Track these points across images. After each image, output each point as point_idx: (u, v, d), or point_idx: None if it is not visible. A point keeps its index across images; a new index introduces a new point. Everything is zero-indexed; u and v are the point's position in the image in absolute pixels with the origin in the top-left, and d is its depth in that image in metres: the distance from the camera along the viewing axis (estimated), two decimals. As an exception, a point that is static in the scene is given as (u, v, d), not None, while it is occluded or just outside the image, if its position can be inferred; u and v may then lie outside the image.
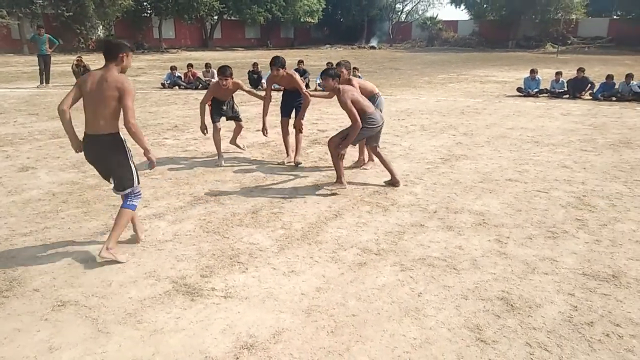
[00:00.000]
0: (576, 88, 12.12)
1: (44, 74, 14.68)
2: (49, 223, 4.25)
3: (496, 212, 4.55)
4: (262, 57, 28.65)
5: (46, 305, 2.97)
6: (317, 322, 2.82)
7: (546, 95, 12.54)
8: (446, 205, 4.75)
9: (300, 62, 14.50)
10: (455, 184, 5.40)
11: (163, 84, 14.52)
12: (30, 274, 3.35)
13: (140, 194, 3.80)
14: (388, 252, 3.73)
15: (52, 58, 15.42)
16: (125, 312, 2.90)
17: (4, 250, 3.72)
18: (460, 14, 60.60)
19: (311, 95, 6.00)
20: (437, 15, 49.73)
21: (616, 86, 11.91)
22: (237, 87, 6.16)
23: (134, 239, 3.92)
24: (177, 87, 14.35)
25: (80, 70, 14.95)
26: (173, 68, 14.70)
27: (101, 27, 33.82)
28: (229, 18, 42.10)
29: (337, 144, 5.17)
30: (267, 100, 6.29)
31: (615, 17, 43.92)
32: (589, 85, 12.07)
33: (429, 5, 63.68)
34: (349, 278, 3.33)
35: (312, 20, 45.51)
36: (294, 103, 6.23)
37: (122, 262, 3.53)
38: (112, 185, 3.77)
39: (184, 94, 13.15)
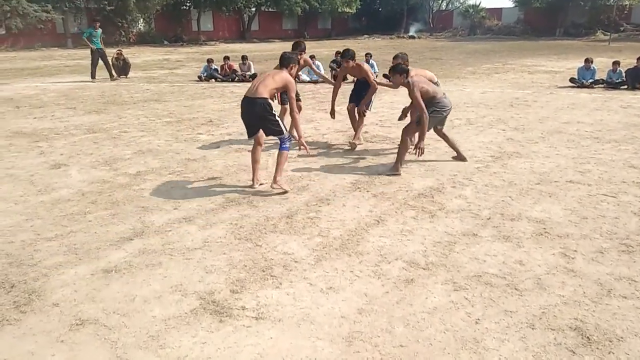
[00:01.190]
0: (635, 78, 11.22)
1: (106, 68, 14.41)
2: (76, 226, 4.05)
3: (559, 220, 4.06)
4: (299, 48, 28.42)
5: (64, 323, 2.73)
6: (359, 354, 2.46)
7: (602, 86, 11.68)
8: (501, 210, 4.29)
9: (338, 53, 14.06)
10: (510, 186, 4.91)
11: (200, 77, 14.40)
12: (51, 286, 3.13)
13: (289, 139, 4.87)
14: (438, 267, 3.32)
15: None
16: (147, 334, 2.62)
17: (27, 256, 3.53)
18: (505, 1, 58.38)
19: (378, 84, 6.41)
20: (480, 3, 47.77)
21: (682, 76, 10.94)
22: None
23: (156, 245, 3.66)
24: (213, 79, 14.20)
25: (120, 63, 15.06)
26: (210, 61, 14.56)
27: (142, 20, 34.32)
28: (266, 9, 41.94)
29: (413, 132, 5.51)
30: (337, 87, 6.77)
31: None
32: (651, 75, 11.15)
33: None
34: (395, 298, 2.95)
35: (350, 10, 44.80)
36: (362, 92, 6.55)
37: (288, 191, 4.77)
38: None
39: (220, 87, 12.97)
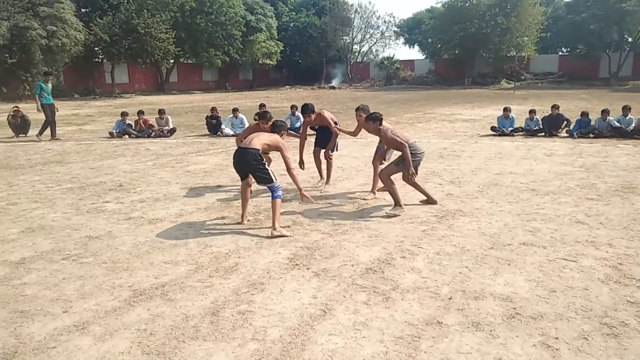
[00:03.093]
0: (551, 125, 11.66)
1: (52, 126, 12.90)
2: None
3: (526, 296, 3.57)
4: (221, 100, 27.75)
5: None
6: None
7: (521, 133, 12.03)
8: (461, 286, 3.75)
9: (262, 105, 13.58)
10: (463, 253, 4.42)
11: (112, 133, 13.24)
12: None
13: (279, 187, 5.13)
14: (406, 377, 2.66)
15: None
16: None
17: None
18: (417, 54, 62.16)
19: (339, 130, 6.91)
20: (394, 55, 50.29)
21: (592, 122, 11.50)
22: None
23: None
24: (127, 136, 13.10)
25: (17, 120, 13.56)
26: (124, 114, 13.46)
27: (49, 73, 32.20)
28: (185, 62, 41.24)
29: (391, 173, 5.79)
30: (302, 139, 7.23)
31: (564, 52, 45.74)
32: (565, 122, 11.64)
33: (385, 46, 64.57)
34: None
35: (271, 62, 45.29)
36: (325, 137, 7.08)
37: (288, 235, 4.95)
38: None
39: (134, 144, 11.92)
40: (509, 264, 4.15)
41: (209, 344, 3.02)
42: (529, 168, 8.14)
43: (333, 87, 43.75)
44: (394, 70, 47.17)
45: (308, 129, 7.31)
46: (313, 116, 6.85)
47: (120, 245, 4.82)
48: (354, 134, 6.73)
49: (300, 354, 2.89)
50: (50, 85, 13.16)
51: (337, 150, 7.31)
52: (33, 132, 14.02)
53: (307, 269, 4.16)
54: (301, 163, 7.13)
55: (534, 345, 2.94)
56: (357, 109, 6.40)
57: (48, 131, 12.93)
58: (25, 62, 28.31)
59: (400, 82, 45.43)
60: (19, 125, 13.58)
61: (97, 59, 35.27)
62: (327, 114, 6.99)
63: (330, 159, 7.09)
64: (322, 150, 7.16)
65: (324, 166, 7.25)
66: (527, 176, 7.54)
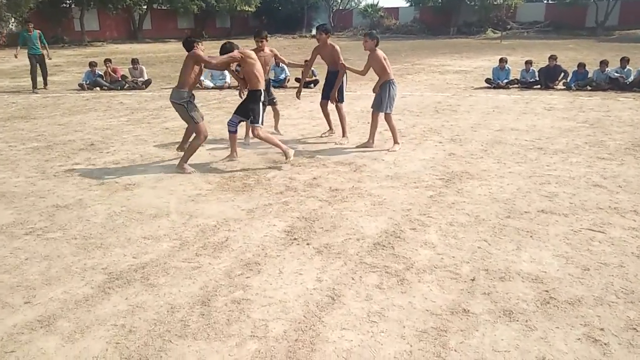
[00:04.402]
0: (548, 77, 11.16)
1: (37, 77, 12.09)
2: None
3: (557, 275, 3.17)
4: (198, 49, 26.40)
5: None
6: None
7: (517, 86, 11.51)
8: (483, 264, 3.33)
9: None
10: (478, 223, 3.99)
11: (81, 85, 12.29)
12: None
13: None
14: (438, 386, 2.24)
15: None
16: None
17: None
18: (401, 1, 60.06)
19: (346, 68, 6.52)
20: (377, 2, 48.48)
21: (590, 74, 11.03)
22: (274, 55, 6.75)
23: None
24: (98, 88, 12.18)
25: (-23, 71, 12.43)
26: (92, 64, 12.42)
27: (13, 20, 30.13)
28: (159, 7, 39.05)
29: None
30: (308, 67, 7.32)
31: (550, 1, 44.69)
32: (562, 74, 11.13)
33: (369, -8, 62.22)
34: None
35: (250, 9, 43.18)
36: (332, 84, 6.59)
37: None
38: None
39: (106, 97, 11.07)
40: (531, 236, 3.74)
41: (201, 344, 2.55)
42: (530, 124, 7.69)
43: (315, 36, 42.24)
44: (378, 19, 45.62)
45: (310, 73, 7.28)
46: (327, 39, 6.51)
47: (92, 217, 4.26)
48: (363, 72, 6.49)
49: (310, 356, 2.45)
50: (34, 32, 12.07)
51: (344, 100, 6.83)
52: (-5, 83, 13.00)
53: (307, 244, 3.69)
54: (298, 92, 7.05)
55: (579, 339, 2.55)
56: (369, 34, 6.24)
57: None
58: (-14, 6, 26.34)
59: (384, 31, 43.95)
60: (-21, 76, 12.48)
61: (64, 4, 33.07)
62: (339, 49, 6.57)
63: (341, 109, 6.75)
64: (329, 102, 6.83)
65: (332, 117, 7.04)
66: (530, 133, 7.10)
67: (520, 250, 3.53)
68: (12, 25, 30.41)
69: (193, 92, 5.60)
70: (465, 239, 3.72)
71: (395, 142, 6.33)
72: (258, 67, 5.56)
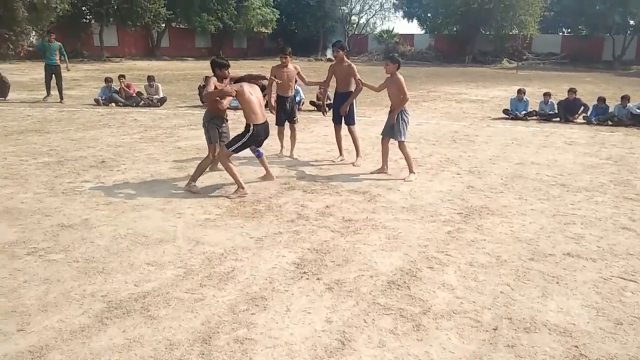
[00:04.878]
0: (568, 110, 10.95)
1: (50, 87, 12.53)
2: None
3: (588, 329, 2.94)
4: (215, 69, 26.57)
5: None
6: None
7: (535, 118, 11.31)
8: (506, 312, 3.10)
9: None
10: (500, 265, 3.77)
11: (97, 100, 12.32)
12: None
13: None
14: None
15: None
16: None
17: None
18: (416, 28, 60.61)
19: (363, 84, 6.41)
20: (393, 29, 48.91)
21: (610, 109, 10.82)
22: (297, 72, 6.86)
23: None
24: (114, 103, 12.20)
25: (-6, 82, 12.56)
26: (108, 80, 12.48)
27: (34, 32, 30.73)
28: (177, 26, 39.67)
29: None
30: (326, 85, 6.97)
31: (567, 33, 44.75)
32: (582, 107, 10.93)
33: (384, 18, 63.11)
34: None
35: (266, 31, 43.74)
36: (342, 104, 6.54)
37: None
38: None
39: (121, 114, 11.05)
40: (557, 283, 3.50)
41: (200, 389, 2.35)
42: (551, 158, 7.47)
43: (331, 60, 42.52)
44: (393, 45, 45.88)
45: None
46: (342, 54, 6.46)
47: (97, 239, 4.11)
48: (377, 89, 6.37)
49: (317, 410, 2.24)
50: (55, 44, 12.44)
51: (355, 123, 6.77)
52: (13, 95, 13.12)
53: (318, 279, 3.49)
54: (324, 110, 7.11)
55: (615, 405, 2.31)
56: (391, 57, 6.14)
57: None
58: (9, 19, 26.82)
59: (399, 57, 44.27)
60: (-4, 87, 12.60)
61: (84, 19, 33.69)
62: (355, 67, 6.54)
63: (353, 131, 6.74)
64: (343, 126, 6.80)
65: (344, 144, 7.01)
66: (552, 168, 6.88)
67: (546, 297, 3.30)
68: (32, 38, 30.99)
69: (224, 115, 5.64)
70: (486, 281, 3.50)
71: (411, 171, 6.16)
72: (253, 105, 5.31)
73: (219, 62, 5.50)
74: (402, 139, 6.09)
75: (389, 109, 6.25)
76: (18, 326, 2.84)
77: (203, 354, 2.61)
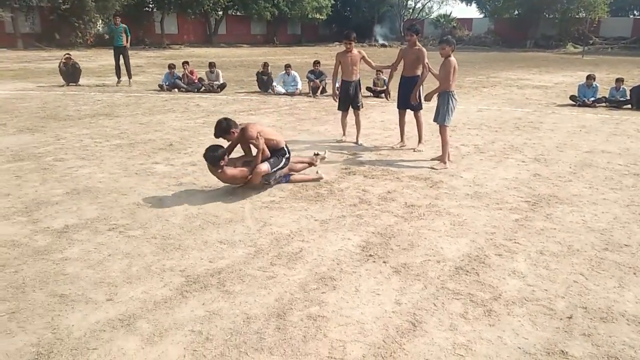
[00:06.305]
0: (641, 97, 10.34)
1: (121, 69, 13.56)
2: (-59, 344, 2.56)
3: (670, 321, 2.83)
4: (270, 55, 26.91)
5: None
6: None
7: (604, 105, 10.76)
8: (580, 301, 3.03)
9: (317, 62, 12.76)
10: (572, 254, 3.67)
11: (161, 86, 12.81)
12: None
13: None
14: None
15: (46, 53, 14.14)
16: None
17: None
18: (475, 12, 58.41)
19: (430, 70, 6.39)
20: (451, 13, 47.60)
21: (690, 96, 10.13)
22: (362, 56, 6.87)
23: None
24: (176, 89, 12.64)
25: (69, 69, 13.31)
26: (171, 67, 12.97)
27: (100, 21, 32.15)
28: (234, 13, 40.34)
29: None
30: (394, 68, 6.90)
31: (637, 16, 41.98)
32: (658, 94, 10.29)
33: (442, 2, 61.47)
34: None
35: (321, 17, 43.71)
36: (409, 93, 6.49)
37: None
38: None
39: (183, 99, 11.45)
40: (634, 274, 3.38)
41: (277, 359, 2.47)
42: (623, 147, 7.11)
43: (384, 45, 41.99)
44: (450, 29, 44.69)
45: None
46: (416, 39, 6.47)
47: (171, 217, 4.32)
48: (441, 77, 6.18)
49: (392, 387, 2.29)
50: (120, 26, 13.28)
51: (422, 108, 6.72)
52: (83, 80, 13.83)
53: (384, 262, 3.53)
54: (388, 95, 7.24)
55: (702, 400, 2.23)
56: (446, 41, 6.01)
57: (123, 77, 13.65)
58: (78, 8, 28.21)
59: (456, 42, 43.09)
60: (70, 73, 13.33)
61: (147, 8, 34.90)
62: (425, 52, 6.48)
63: (419, 116, 6.71)
64: (407, 112, 6.80)
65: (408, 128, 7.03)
66: (624, 157, 6.55)
67: (623, 288, 3.19)
68: (99, 26, 32.44)
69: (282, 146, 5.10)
70: (558, 270, 3.42)
71: (444, 160, 6.01)
72: (272, 135, 5.03)
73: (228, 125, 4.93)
74: (447, 124, 5.96)
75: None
76: (107, 296, 3.06)
77: (279, 329, 2.72)
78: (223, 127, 4.88)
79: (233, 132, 4.90)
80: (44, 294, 3.05)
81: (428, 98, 6.25)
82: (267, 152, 4.91)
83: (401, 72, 6.71)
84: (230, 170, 4.77)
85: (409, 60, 6.56)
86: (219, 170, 4.76)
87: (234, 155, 5.15)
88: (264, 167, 4.81)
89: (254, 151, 4.96)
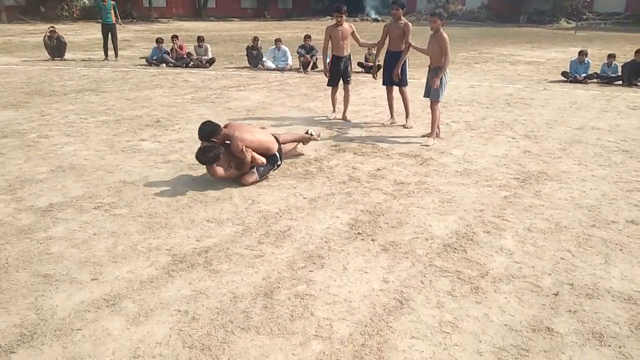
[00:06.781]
0: (633, 73, 10.31)
1: (108, 46, 13.35)
2: None
3: (654, 298, 2.86)
4: (260, 30, 26.46)
5: None
6: None
7: (595, 81, 10.73)
8: (567, 277, 3.05)
9: (307, 37, 12.56)
10: (560, 231, 3.68)
11: (148, 61, 12.58)
12: None
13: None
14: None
15: (31, 26, 13.88)
16: None
17: None
18: (466, -14, 57.67)
19: (413, 47, 6.31)
20: (443, -14, 46.81)
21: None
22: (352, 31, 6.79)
23: None
24: (164, 64, 12.41)
25: (53, 42, 13.00)
26: (159, 41, 12.66)
27: (86, -6, 31.37)
28: (223, -14, 39.51)
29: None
30: (380, 45, 6.79)
31: (632, -9, 41.60)
32: (650, 70, 10.26)
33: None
34: None
35: (312, -10, 42.91)
36: (393, 67, 6.48)
37: None
38: None
39: (171, 74, 11.25)
40: (621, 250, 3.40)
41: (264, 339, 2.46)
42: (613, 123, 7.11)
43: (376, 20, 41.38)
44: (444, 3, 44.08)
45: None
46: (401, 14, 6.35)
47: (158, 195, 4.27)
48: (427, 52, 6.09)
49: (378, 364, 2.30)
50: (109, 3, 13.07)
51: (407, 84, 6.66)
52: (69, 55, 13.54)
53: (372, 240, 3.52)
54: (375, 73, 7.13)
55: (683, 375, 2.26)
56: (437, 14, 5.96)
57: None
58: (62, -19, 27.48)
59: (449, 17, 42.55)
60: (55, 47, 13.03)
61: (134, -19, 34.04)
62: (410, 27, 6.43)
63: (405, 92, 6.63)
64: (394, 88, 6.72)
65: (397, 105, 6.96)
66: (613, 133, 6.56)
67: (609, 265, 3.21)
68: (86, 0, 31.67)
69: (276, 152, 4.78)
70: (545, 247, 3.43)
71: (432, 135, 5.98)
72: (264, 142, 4.66)
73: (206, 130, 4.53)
74: (439, 99, 5.91)
75: (428, 67, 6.07)
76: (92, 275, 3.02)
77: (266, 307, 2.71)
78: (207, 134, 4.47)
79: (215, 140, 4.47)
80: (28, 273, 3.01)
81: (435, 85, 5.82)
82: (262, 160, 4.62)
83: (387, 47, 6.62)
84: (222, 172, 4.48)
85: (394, 35, 6.46)
86: (211, 170, 4.48)
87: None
88: (251, 179, 4.55)
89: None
